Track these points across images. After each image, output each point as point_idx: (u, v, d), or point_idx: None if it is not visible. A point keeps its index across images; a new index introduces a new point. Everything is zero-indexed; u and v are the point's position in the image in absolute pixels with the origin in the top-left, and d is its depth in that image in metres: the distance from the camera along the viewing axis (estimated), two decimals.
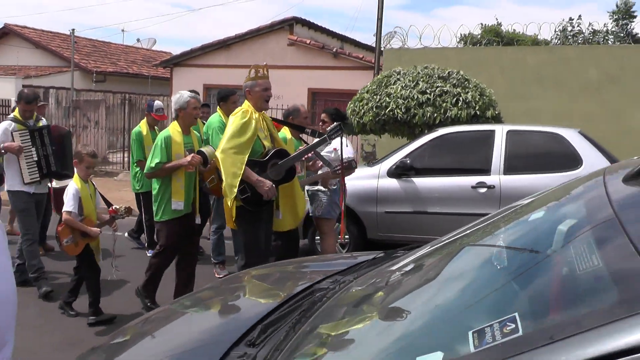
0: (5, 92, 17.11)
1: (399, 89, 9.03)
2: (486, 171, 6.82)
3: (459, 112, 8.66)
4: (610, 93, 11.51)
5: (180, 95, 5.43)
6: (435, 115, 8.68)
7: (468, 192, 6.73)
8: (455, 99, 8.77)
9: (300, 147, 5.41)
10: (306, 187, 5.93)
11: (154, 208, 5.14)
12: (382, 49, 13.28)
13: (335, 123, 5.13)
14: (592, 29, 16.42)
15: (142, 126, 7.41)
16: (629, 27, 18.02)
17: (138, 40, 27.43)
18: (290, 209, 5.05)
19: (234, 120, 4.76)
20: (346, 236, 7.02)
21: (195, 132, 5.72)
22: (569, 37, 19.61)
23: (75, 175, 5.20)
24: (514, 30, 22.33)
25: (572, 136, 6.79)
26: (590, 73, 11.64)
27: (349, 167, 5.67)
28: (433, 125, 8.56)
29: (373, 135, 9.87)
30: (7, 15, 71.40)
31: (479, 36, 22.64)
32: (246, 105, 4.92)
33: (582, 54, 11.82)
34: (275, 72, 18.17)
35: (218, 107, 6.85)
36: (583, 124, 11.28)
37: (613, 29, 18.08)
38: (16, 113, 6.13)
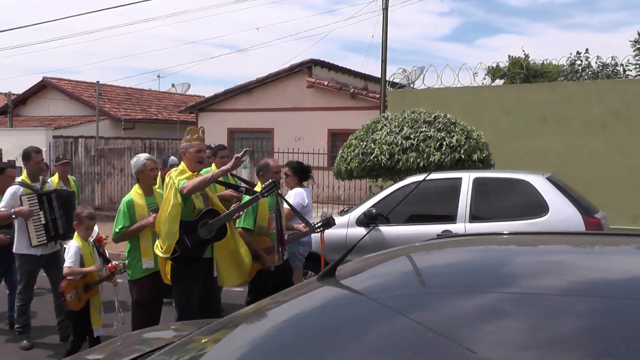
0: (36, 143, 17.98)
1: (384, 134, 9.17)
2: (452, 219, 6.85)
3: (442, 156, 8.72)
4: (616, 129, 11.34)
5: (137, 158, 5.67)
6: (419, 160, 8.77)
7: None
8: (439, 143, 8.85)
9: (234, 205, 5.57)
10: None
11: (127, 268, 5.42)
12: (388, 89, 13.42)
13: (270, 180, 5.25)
14: (600, 62, 16.18)
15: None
16: None
17: (173, 85, 28.48)
18: (229, 265, 5.21)
19: (167, 182, 4.99)
20: None
21: (159, 191, 5.93)
22: (579, 71, 19.34)
23: (76, 234, 5.54)
24: (545, 61, 22.20)
25: (538, 182, 6.76)
26: (594, 109, 11.52)
27: (328, 224, 5.81)
28: (417, 170, 8.65)
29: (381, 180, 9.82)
30: (57, 69, 74.80)
31: (506, 69, 22.57)
32: (182, 165, 5.15)
33: (585, 90, 11.73)
34: (295, 114, 18.57)
35: (213, 163, 7.03)
36: (589, 162, 11.18)
37: (636, 59, 17.74)
38: (24, 176, 6.37)
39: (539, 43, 54.91)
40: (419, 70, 16.57)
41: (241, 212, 5.31)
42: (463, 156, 8.85)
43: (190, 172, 5.04)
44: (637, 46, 18.00)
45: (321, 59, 18.52)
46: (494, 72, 22.52)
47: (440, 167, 8.65)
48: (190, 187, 4.81)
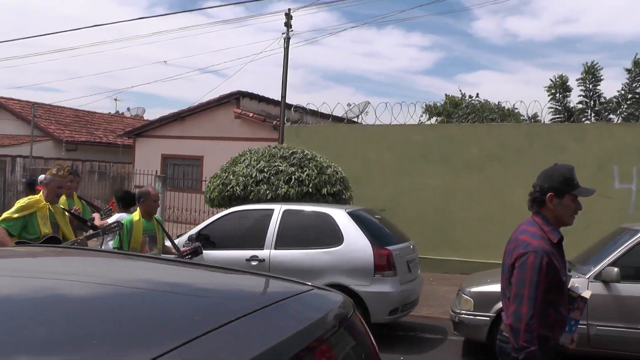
0: None
1: (243, 167, 9.93)
2: (260, 245, 7.57)
3: (290, 189, 9.47)
4: (492, 170, 12.13)
5: (45, 177, 6.44)
6: (268, 192, 9.51)
7: (242, 264, 7.44)
8: (288, 177, 9.60)
9: (80, 238, 6.08)
10: None
11: None
12: (285, 124, 14.21)
13: (115, 221, 5.99)
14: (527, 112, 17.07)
15: None
16: (564, 101, 18.58)
17: (128, 109, 29.31)
18: None
19: (18, 202, 5.73)
20: None
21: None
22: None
23: None
24: (480, 100, 23.20)
25: (338, 216, 7.49)
26: (472, 151, 12.32)
27: (195, 252, 6.52)
28: (267, 201, 9.37)
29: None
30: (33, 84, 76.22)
31: (441, 108, 23.49)
32: (40, 195, 5.81)
33: (464, 132, 12.55)
34: (224, 143, 19.28)
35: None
36: (467, 199, 11.98)
37: (550, 105, 18.65)
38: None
39: (517, 79, 56.18)
40: (363, 105, 17.53)
41: (78, 242, 5.74)
42: (311, 190, 9.60)
43: (48, 202, 5.73)
44: (552, 91, 18.88)
45: (249, 91, 19.36)
46: (431, 110, 23.45)
47: (287, 199, 9.38)
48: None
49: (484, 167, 12.26)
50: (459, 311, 6.86)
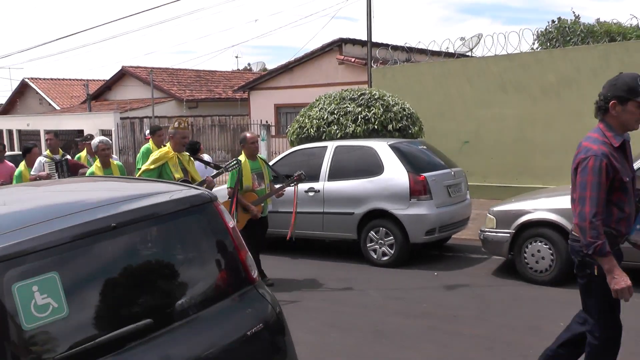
0: (106, 124, 21.53)
1: (317, 111, 11.10)
2: (316, 178, 8.76)
3: (357, 128, 10.53)
4: (569, 95, 12.35)
5: (94, 141, 8.25)
6: (338, 132, 10.63)
7: (302, 195, 8.66)
8: (355, 117, 10.64)
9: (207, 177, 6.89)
10: None
11: None
12: (372, 67, 15.08)
13: (235, 159, 7.23)
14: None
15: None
16: None
17: (248, 64, 31.28)
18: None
19: (152, 155, 6.85)
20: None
21: (116, 162, 8.35)
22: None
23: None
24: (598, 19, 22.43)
25: (381, 148, 8.48)
26: (549, 77, 12.58)
27: (299, 179, 7.61)
28: (337, 139, 10.49)
29: None
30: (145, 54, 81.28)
31: (554, 32, 23.00)
32: (168, 146, 6.79)
33: (539, 59, 12.78)
34: (329, 89, 20.75)
35: (149, 138, 9.44)
36: (545, 126, 12.39)
37: None
38: (48, 151, 9.29)
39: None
40: (477, 39, 17.99)
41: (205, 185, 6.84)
42: (377, 127, 10.58)
43: (175, 152, 6.69)
44: None
45: (350, 37, 20.25)
46: (544, 35, 23.03)
47: (355, 136, 10.45)
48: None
49: (561, 93, 12.47)
50: (484, 229, 7.67)
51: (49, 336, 2.36)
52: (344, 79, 20.08)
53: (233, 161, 7.26)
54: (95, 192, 3.45)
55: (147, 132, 10.25)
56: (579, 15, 22.99)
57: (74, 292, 2.48)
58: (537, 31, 22.91)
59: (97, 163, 7.98)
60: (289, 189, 7.90)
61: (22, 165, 8.96)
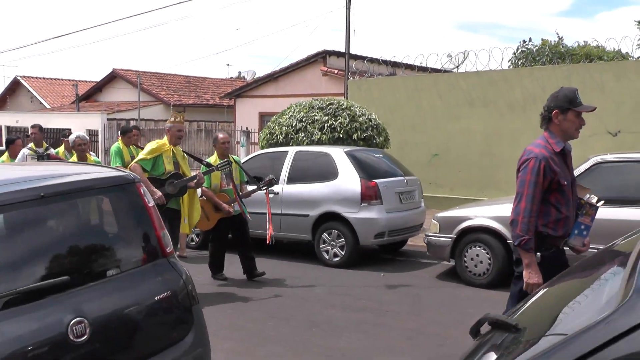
0: (94, 124, 22.10)
1: (287, 118, 11.66)
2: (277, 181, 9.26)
3: (323, 136, 11.08)
4: (534, 112, 12.88)
5: (71, 136, 8.83)
6: (305, 139, 11.18)
7: (263, 196, 9.11)
8: (322, 125, 11.20)
9: (197, 173, 7.32)
10: None
11: None
12: (349, 79, 15.68)
13: (226, 160, 7.61)
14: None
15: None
16: None
17: (239, 72, 31.91)
18: (197, 216, 7.47)
19: (148, 145, 7.22)
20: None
21: (93, 157, 9.01)
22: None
23: None
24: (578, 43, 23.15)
25: (337, 154, 9.01)
26: (515, 94, 13.17)
27: (270, 183, 8.05)
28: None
29: None
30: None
31: (536, 52, 23.69)
32: (165, 139, 7.27)
33: (507, 76, 13.38)
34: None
35: (119, 138, 9.95)
36: (510, 141, 12.96)
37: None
38: (32, 144, 9.75)
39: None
40: (462, 56, 18.59)
41: (193, 181, 7.23)
42: (342, 135, 11.14)
43: (170, 145, 7.12)
44: None
45: (335, 49, 20.87)
46: (526, 55, 23.71)
47: (320, 144, 10.99)
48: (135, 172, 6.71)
49: (526, 109, 13.03)
50: (428, 234, 8.21)
51: None
52: (327, 89, 20.66)
53: (225, 161, 7.61)
54: (34, 170, 3.99)
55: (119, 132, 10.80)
56: (562, 37, 23.61)
57: (4, 248, 3.04)
58: (518, 50, 23.57)
59: (74, 158, 8.51)
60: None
61: (5, 156, 9.49)
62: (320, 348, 5.56)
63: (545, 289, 2.98)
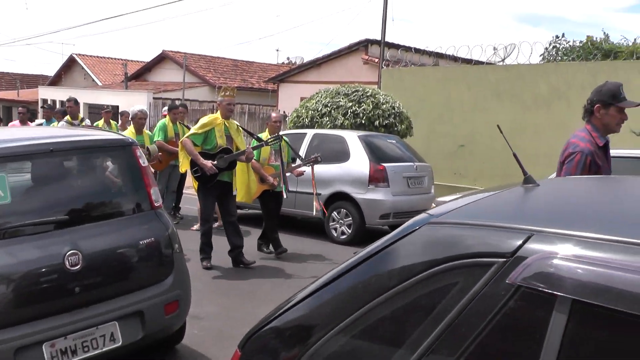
0: (139, 102, 23.27)
1: (313, 103, 12.38)
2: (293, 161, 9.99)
3: (345, 121, 11.76)
4: (558, 107, 13.29)
5: (133, 109, 9.73)
6: (328, 123, 11.88)
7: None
8: (346, 111, 11.87)
9: (248, 148, 7.58)
10: None
11: None
12: (383, 67, 16.26)
13: (275, 134, 8.19)
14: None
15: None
16: None
17: (288, 58, 32.74)
18: (243, 188, 8.01)
19: (201, 120, 7.56)
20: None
21: (147, 132, 9.89)
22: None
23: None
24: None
25: (350, 138, 9.67)
26: (541, 88, 13.55)
27: (316, 161, 8.53)
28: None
29: None
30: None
31: (579, 48, 23.75)
32: (217, 113, 7.52)
33: (534, 71, 13.75)
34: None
35: (166, 114, 10.79)
36: (533, 135, 13.39)
37: None
38: (68, 117, 10.86)
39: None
40: (506, 49, 19.04)
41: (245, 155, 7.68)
42: (364, 122, 11.78)
43: (222, 118, 7.38)
44: None
45: (376, 38, 21.40)
46: (570, 51, 23.81)
47: (342, 128, 11.66)
48: (186, 147, 7.20)
49: (551, 104, 13.40)
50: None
51: None
52: (367, 78, 21.23)
53: (275, 136, 8.05)
54: (51, 132, 4.86)
55: (165, 109, 11.75)
56: (607, 34, 23.58)
57: (17, 190, 3.89)
58: (550, 45, 23.70)
59: (132, 129, 9.47)
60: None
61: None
62: None
63: None
